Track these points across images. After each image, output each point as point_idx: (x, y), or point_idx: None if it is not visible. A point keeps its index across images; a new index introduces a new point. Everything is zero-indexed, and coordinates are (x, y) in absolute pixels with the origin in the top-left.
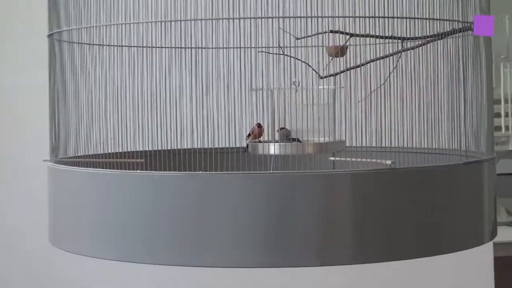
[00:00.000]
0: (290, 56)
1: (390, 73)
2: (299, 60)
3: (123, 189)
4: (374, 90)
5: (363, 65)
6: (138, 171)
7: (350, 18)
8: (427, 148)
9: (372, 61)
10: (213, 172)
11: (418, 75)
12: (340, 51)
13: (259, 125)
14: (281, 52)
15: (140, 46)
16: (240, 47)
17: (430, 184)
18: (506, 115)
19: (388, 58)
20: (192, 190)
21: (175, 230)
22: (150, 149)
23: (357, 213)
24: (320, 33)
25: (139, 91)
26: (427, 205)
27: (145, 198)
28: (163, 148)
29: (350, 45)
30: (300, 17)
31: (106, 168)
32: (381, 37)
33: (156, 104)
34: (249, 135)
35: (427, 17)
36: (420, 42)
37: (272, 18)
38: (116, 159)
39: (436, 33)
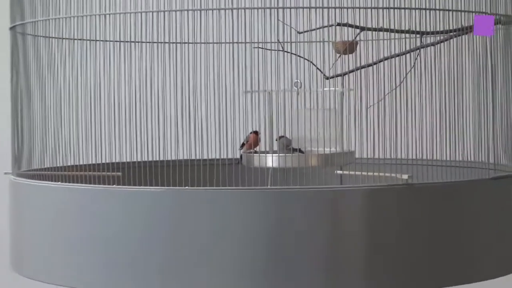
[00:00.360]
0: (291, 53)
1: (407, 74)
2: (302, 57)
3: (98, 207)
4: (388, 93)
5: (375, 63)
6: (114, 186)
7: (361, 9)
8: (449, 161)
9: (386, 59)
10: (202, 188)
11: (440, 76)
12: (349, 47)
13: (255, 133)
14: (281, 48)
15: (117, 41)
16: (233, 42)
17: (453, 202)
18: None
19: (404, 55)
20: (178, 207)
21: (161, 254)
22: (128, 160)
23: (368, 236)
24: (326, 26)
25: (115, 93)
26: (450, 227)
27: (125, 217)
28: (144, 160)
29: (360, 40)
30: (303, 7)
31: (78, 183)
32: (397, 31)
33: (135, 108)
34: (243, 144)
35: (450, 8)
36: (442, 37)
37: (270, 8)
38: (90, 172)
39: (460, 26)
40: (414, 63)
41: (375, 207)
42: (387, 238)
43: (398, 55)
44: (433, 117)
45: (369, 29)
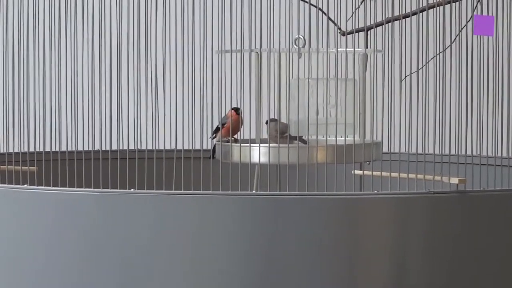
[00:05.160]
0: None
1: (461, 29)
2: (307, 2)
3: (11, 214)
4: (433, 58)
5: (414, 14)
6: (26, 185)
7: None
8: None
9: (431, 7)
10: (156, 191)
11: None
12: None
13: (235, 110)
14: None
15: None
16: None
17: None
18: None
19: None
20: (119, 219)
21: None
22: (45, 149)
23: (396, 265)
24: None
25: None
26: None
27: (41, 226)
28: (69, 149)
29: None
30: None
31: None
32: None
33: (51, 75)
34: (217, 129)
35: None
36: None
37: None
38: None
39: None
40: (472, 14)
41: (409, 223)
42: (422, 266)
43: (448, 2)
44: (488, 98)
45: None
